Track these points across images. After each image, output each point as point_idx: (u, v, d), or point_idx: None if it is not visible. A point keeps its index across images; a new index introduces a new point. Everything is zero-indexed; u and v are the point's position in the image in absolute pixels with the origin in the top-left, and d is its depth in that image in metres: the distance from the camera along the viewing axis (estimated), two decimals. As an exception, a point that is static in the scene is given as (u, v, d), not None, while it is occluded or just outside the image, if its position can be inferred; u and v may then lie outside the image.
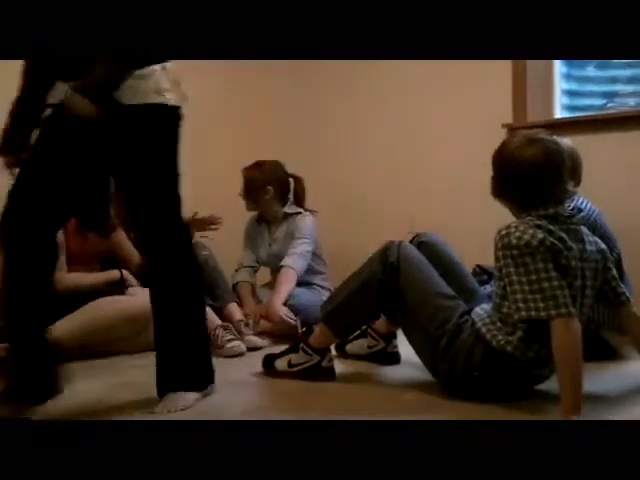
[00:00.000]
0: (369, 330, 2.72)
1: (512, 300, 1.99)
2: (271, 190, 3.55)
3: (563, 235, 2.01)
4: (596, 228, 2.62)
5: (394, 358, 2.72)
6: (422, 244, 2.51)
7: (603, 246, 2.21)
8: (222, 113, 4.20)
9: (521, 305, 1.95)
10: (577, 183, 2.82)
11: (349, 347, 2.80)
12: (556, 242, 1.98)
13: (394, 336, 2.71)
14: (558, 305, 1.90)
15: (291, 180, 3.66)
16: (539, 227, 2.00)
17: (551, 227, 2.01)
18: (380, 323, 2.69)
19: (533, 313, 1.92)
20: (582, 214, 2.42)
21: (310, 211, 3.63)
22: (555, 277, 1.94)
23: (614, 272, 2.24)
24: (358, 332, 2.69)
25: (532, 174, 2.06)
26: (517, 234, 1.99)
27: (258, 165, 3.60)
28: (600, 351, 2.67)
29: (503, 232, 2.03)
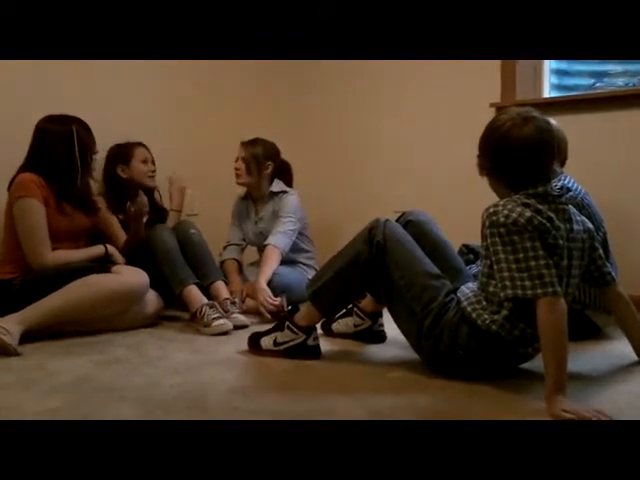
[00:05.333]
0: (355, 309, 2.72)
1: (499, 278, 1.99)
2: (271, 167, 3.57)
3: (551, 214, 2.01)
4: (583, 207, 2.63)
5: (380, 337, 2.72)
6: (409, 222, 2.51)
7: (590, 225, 2.21)
8: (220, 101, 4.17)
9: (507, 283, 1.95)
10: (562, 163, 2.82)
11: (335, 326, 2.81)
12: (544, 221, 1.98)
13: (380, 315, 2.71)
14: (544, 284, 1.89)
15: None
16: (527, 205, 1.99)
17: (539, 206, 2.00)
18: (366, 302, 2.69)
19: (519, 292, 1.92)
20: (570, 194, 2.42)
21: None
22: (542, 256, 1.93)
23: (600, 252, 2.25)
24: (344, 311, 2.69)
25: (528, 153, 2.04)
26: (505, 212, 1.98)
27: (259, 141, 3.60)
28: (585, 330, 2.69)
29: (491, 210, 2.03)
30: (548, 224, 1.98)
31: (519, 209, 1.98)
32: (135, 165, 3.45)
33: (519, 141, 2.03)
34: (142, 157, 3.47)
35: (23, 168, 2.95)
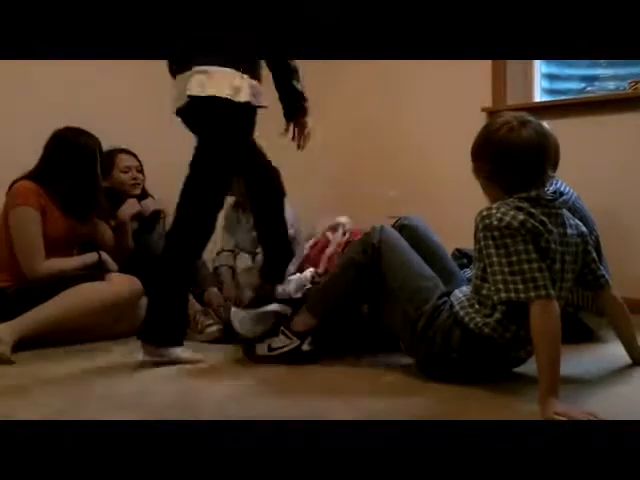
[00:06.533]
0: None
1: (492, 282, 1.99)
2: None
3: (544, 218, 2.01)
4: (575, 211, 2.63)
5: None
6: (404, 227, 2.51)
7: (584, 229, 2.21)
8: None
9: (501, 287, 1.96)
10: (554, 168, 2.82)
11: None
12: (537, 224, 1.98)
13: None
14: (538, 287, 1.90)
15: None
16: (520, 209, 2.00)
17: (532, 210, 2.01)
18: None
19: (513, 295, 1.93)
20: (563, 198, 2.43)
21: None
22: (535, 259, 1.94)
23: (594, 255, 2.25)
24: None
25: (528, 155, 2.05)
26: (498, 215, 1.98)
27: None
28: (578, 333, 2.69)
29: (484, 213, 2.03)
30: (541, 227, 1.99)
31: (512, 212, 1.99)
32: (116, 175, 3.38)
33: (519, 144, 2.04)
34: (123, 166, 3.40)
35: (28, 176, 2.95)
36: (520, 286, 1.92)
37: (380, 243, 2.30)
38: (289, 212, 3.53)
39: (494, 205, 2.04)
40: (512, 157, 2.06)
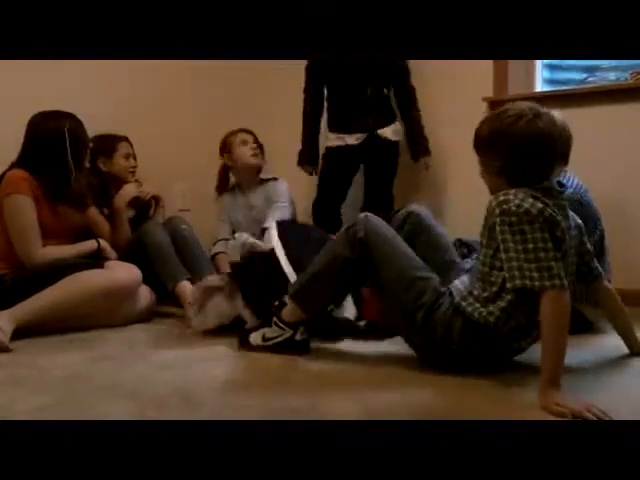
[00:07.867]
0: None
1: (507, 268, 1.95)
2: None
3: (556, 210, 1.99)
4: (582, 205, 2.60)
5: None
6: (410, 215, 2.52)
7: (579, 221, 2.20)
8: (211, 96, 4.16)
9: (516, 273, 1.92)
10: (565, 162, 2.75)
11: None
12: (554, 214, 1.96)
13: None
14: (553, 276, 1.87)
15: None
16: (536, 198, 1.97)
17: (546, 200, 1.98)
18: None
19: (528, 282, 1.89)
20: (570, 191, 2.40)
21: None
22: (551, 248, 1.91)
23: (589, 247, 2.24)
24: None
25: (547, 148, 2.03)
26: (517, 201, 1.95)
27: (246, 131, 3.68)
28: (577, 325, 2.68)
29: (501, 198, 1.98)
30: (557, 217, 1.97)
31: (530, 200, 1.95)
32: (117, 160, 3.45)
33: (536, 135, 2.00)
34: (125, 152, 3.47)
35: (15, 165, 2.94)
36: (535, 274, 1.89)
37: (367, 236, 2.25)
38: (287, 193, 3.60)
39: (511, 191, 1.99)
40: (534, 149, 2.02)
